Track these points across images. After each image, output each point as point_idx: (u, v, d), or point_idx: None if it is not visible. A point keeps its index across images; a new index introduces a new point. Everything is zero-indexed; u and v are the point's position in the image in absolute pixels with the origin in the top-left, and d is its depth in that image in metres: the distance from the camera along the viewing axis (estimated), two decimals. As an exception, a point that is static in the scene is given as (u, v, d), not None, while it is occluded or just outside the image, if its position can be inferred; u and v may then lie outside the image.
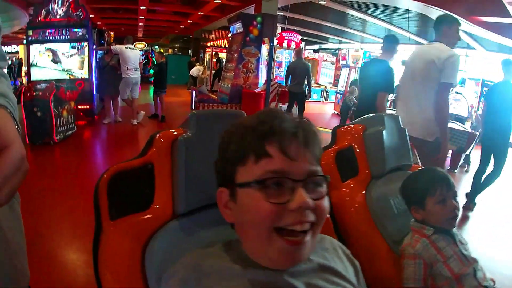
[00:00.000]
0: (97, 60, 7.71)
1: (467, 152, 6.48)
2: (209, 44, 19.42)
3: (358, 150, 1.53)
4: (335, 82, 14.82)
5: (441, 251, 1.32)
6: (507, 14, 6.61)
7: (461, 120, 8.30)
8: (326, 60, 16.30)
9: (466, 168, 6.96)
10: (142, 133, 7.22)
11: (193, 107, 8.65)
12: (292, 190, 0.68)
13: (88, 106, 7.31)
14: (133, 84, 7.27)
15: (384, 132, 1.54)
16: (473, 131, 6.56)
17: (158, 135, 0.98)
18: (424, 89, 2.85)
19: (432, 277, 1.32)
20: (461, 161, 6.85)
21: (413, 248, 1.32)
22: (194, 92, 8.63)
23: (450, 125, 6.47)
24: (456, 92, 10.94)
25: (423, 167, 1.79)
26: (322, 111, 12.72)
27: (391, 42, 4.02)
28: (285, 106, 8.65)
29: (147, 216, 0.90)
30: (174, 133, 0.98)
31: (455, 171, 6.71)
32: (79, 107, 6.98)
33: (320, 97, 14.91)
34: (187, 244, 0.89)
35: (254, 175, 0.69)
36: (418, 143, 2.58)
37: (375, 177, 1.53)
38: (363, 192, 1.46)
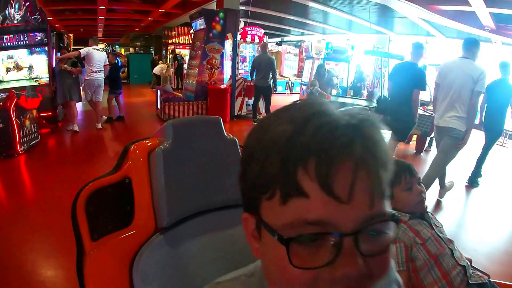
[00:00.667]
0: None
1: (432, 135, 6.76)
2: (171, 41, 19.06)
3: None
4: (299, 74, 14.96)
5: (419, 234, 1.40)
6: (465, 2, 6.86)
7: (423, 104, 8.62)
8: (290, 52, 16.40)
9: (430, 150, 7.22)
10: (108, 138, 7.01)
11: (158, 106, 8.49)
12: (336, 246, 0.42)
13: (51, 113, 6.99)
14: (96, 87, 6.96)
15: None
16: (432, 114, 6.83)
17: (132, 147, 0.96)
18: (460, 94, 3.83)
19: (412, 261, 1.39)
20: (426, 144, 7.11)
21: None
22: (158, 91, 8.47)
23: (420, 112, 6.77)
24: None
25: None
26: (287, 103, 12.73)
27: (417, 48, 4.80)
28: (251, 101, 8.65)
29: (130, 233, 0.88)
30: (148, 144, 0.96)
31: (421, 154, 6.98)
32: (41, 114, 6.67)
33: (285, 89, 14.98)
34: (174, 258, 0.88)
35: (280, 220, 0.44)
36: (451, 132, 3.86)
37: None
38: None
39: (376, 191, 0.42)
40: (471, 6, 7.01)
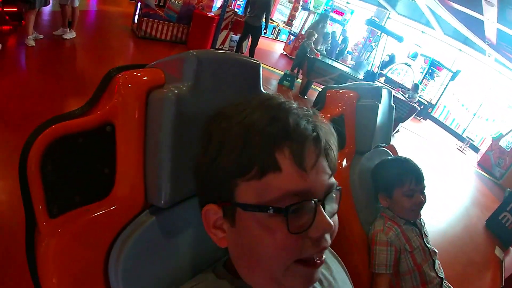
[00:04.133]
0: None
1: (404, 121, 6.78)
2: None
3: (348, 121, 1.36)
4: (289, 22, 14.32)
5: (409, 241, 1.38)
6: (479, 10, 6.63)
7: (404, 89, 8.63)
8: (285, -3, 15.57)
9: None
10: (75, 50, 5.89)
11: (135, 20, 7.68)
12: (310, 212, 0.53)
13: (16, 9, 5.97)
14: None
15: (379, 106, 1.37)
16: (410, 100, 6.84)
17: (122, 77, 0.63)
18: None
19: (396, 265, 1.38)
20: (396, 129, 7.14)
21: (386, 235, 1.34)
22: (139, 4, 7.62)
23: (395, 94, 6.72)
24: (406, 64, 11.32)
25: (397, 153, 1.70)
26: (271, 49, 12.28)
27: None
28: (236, 37, 8.10)
29: (107, 209, 0.60)
30: (147, 78, 0.64)
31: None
32: (5, 9, 5.68)
33: (271, 33, 14.38)
34: (171, 248, 0.64)
35: (267, 196, 0.52)
36: None
37: (359, 153, 1.40)
38: (347, 167, 1.36)
39: (331, 167, 0.58)
40: (482, 15, 6.80)
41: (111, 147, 0.61)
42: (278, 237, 0.52)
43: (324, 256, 0.57)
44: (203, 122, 0.60)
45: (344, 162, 1.33)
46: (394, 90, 7.45)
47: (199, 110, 0.63)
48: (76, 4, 5.88)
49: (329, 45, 10.36)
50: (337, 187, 0.59)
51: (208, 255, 0.71)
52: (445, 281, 1.47)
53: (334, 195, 0.59)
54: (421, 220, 1.49)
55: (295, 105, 0.57)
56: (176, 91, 0.59)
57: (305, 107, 0.59)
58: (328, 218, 0.54)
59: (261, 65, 0.73)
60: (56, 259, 0.56)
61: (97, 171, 0.60)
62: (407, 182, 1.36)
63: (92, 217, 0.58)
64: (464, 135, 11.01)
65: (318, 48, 8.63)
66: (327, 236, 0.55)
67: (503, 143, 8.61)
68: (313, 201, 0.53)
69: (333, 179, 0.58)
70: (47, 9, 5.91)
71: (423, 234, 1.45)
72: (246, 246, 0.56)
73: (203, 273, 0.65)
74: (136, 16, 7.59)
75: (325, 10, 11.70)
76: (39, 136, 0.55)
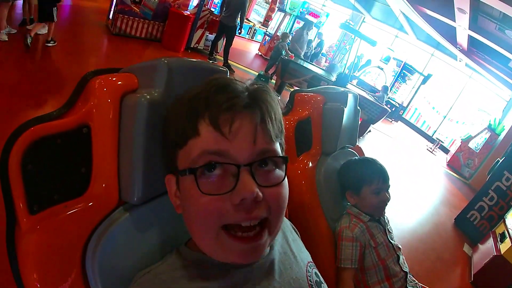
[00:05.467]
0: None
1: (374, 124, 6.95)
2: None
3: (315, 124, 1.42)
4: (265, 23, 14.39)
5: (373, 237, 1.43)
6: (451, 17, 6.86)
7: (374, 91, 8.83)
8: (262, -2, 15.62)
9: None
10: (55, 47, 5.55)
11: (110, 17, 7.55)
12: (235, 177, 0.55)
13: None
14: None
15: (345, 110, 1.44)
16: (383, 105, 7.02)
17: (97, 81, 0.67)
18: None
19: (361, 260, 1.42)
20: (368, 130, 7.30)
21: (352, 231, 1.40)
22: (114, 0, 7.50)
23: (365, 95, 6.88)
24: (378, 67, 11.58)
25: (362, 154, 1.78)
26: (246, 49, 12.29)
27: None
28: (212, 36, 8.09)
29: (84, 206, 0.64)
30: (122, 83, 0.68)
31: (360, 137, 7.16)
32: None
33: (247, 33, 14.40)
34: (143, 242, 0.68)
35: (189, 159, 0.58)
36: None
37: (324, 154, 1.47)
38: (314, 167, 1.41)
39: (264, 131, 0.57)
40: (455, 22, 7.05)
41: (87, 148, 0.65)
42: (195, 198, 0.56)
43: (263, 240, 0.58)
44: None
45: (310, 163, 1.39)
46: (365, 92, 7.62)
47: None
48: None
49: (312, 50, 10.47)
50: (278, 156, 0.59)
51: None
52: (410, 275, 1.53)
53: (274, 165, 0.59)
54: (385, 217, 1.56)
55: (233, 80, 0.62)
56: (148, 97, 0.64)
57: (249, 81, 0.62)
58: (254, 184, 0.54)
59: (227, 71, 0.78)
60: (36, 254, 0.60)
61: (74, 170, 0.64)
62: (375, 180, 1.43)
63: (70, 214, 0.62)
64: (434, 137, 11.37)
65: (301, 53, 8.71)
66: (259, 207, 0.56)
67: (472, 144, 8.97)
68: (235, 165, 0.55)
69: (269, 145, 0.58)
70: (20, 3, 5.72)
71: (387, 231, 1.51)
72: (186, 210, 0.61)
73: (168, 254, 0.68)
74: (111, 13, 7.45)
75: (301, 12, 11.80)
76: (20, 137, 0.58)
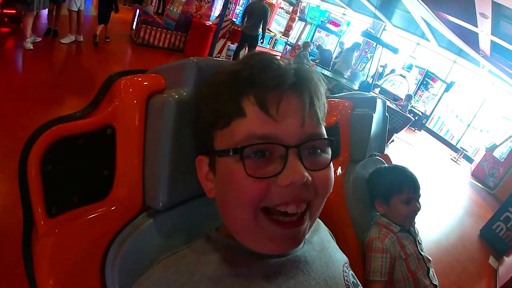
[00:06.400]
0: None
1: (399, 132, 6.83)
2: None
3: (343, 130, 1.37)
4: (285, 32, 14.43)
5: (404, 248, 1.38)
6: (473, 22, 6.72)
7: (396, 100, 8.69)
8: (282, 8, 15.70)
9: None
10: (79, 56, 5.91)
11: (133, 27, 7.72)
12: (282, 159, 0.52)
13: (14, 11, 5.89)
14: None
15: (374, 116, 1.39)
16: (406, 114, 6.91)
17: (122, 81, 0.65)
18: None
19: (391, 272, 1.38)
20: (391, 139, 7.19)
21: (382, 242, 1.35)
22: (138, 10, 7.67)
23: (389, 104, 6.78)
24: (401, 75, 11.42)
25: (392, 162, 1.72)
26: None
27: None
28: (233, 46, 8.14)
29: (106, 210, 0.60)
30: (148, 83, 0.65)
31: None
32: (4, 11, 5.53)
33: (268, 44, 14.47)
34: (164, 250, 0.63)
35: (233, 141, 0.54)
36: None
37: (353, 161, 1.42)
38: (342, 175, 1.36)
39: (311, 113, 0.55)
40: (477, 27, 6.90)
41: (111, 149, 0.62)
42: (239, 179, 0.52)
43: (304, 225, 0.55)
44: None
45: (339, 170, 1.34)
46: (389, 100, 7.51)
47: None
48: (82, 7, 5.93)
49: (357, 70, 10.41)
50: (325, 137, 0.57)
51: None
52: None
53: (320, 148, 0.57)
54: (415, 228, 1.50)
55: (275, 57, 0.57)
56: (176, 96, 0.61)
57: (291, 59, 0.59)
58: (303, 167, 0.52)
59: None
60: (53, 258, 0.57)
61: (97, 172, 0.61)
62: (405, 189, 1.39)
63: (90, 218, 0.59)
64: (458, 146, 11.09)
65: (346, 74, 8.65)
66: (305, 190, 0.53)
67: (496, 153, 8.67)
68: (283, 147, 0.52)
69: (317, 128, 0.56)
70: (45, 12, 5.90)
71: (417, 242, 1.46)
72: (222, 193, 0.57)
73: (196, 239, 0.64)
74: (135, 23, 7.63)
75: (321, 21, 11.80)
76: (40, 136, 0.55)
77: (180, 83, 0.64)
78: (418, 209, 1.40)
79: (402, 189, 1.39)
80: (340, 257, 0.74)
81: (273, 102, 0.53)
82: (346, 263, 0.74)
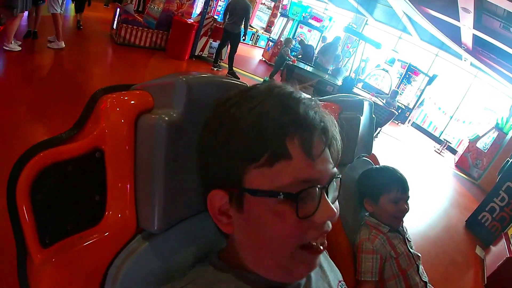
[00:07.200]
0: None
1: (383, 126, 6.90)
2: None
3: (331, 134, 1.35)
4: (267, 28, 14.41)
5: (394, 248, 1.42)
6: (455, 17, 6.83)
7: (381, 94, 8.78)
8: (264, 3, 15.64)
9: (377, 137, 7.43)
10: (60, 58, 5.65)
11: (114, 27, 7.57)
12: (315, 199, 0.56)
13: None
14: None
15: (361, 119, 1.40)
16: (390, 108, 6.99)
17: (108, 100, 0.62)
18: None
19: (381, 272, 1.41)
20: (376, 134, 7.26)
21: (372, 243, 1.39)
22: (118, 9, 7.51)
23: (373, 99, 6.84)
24: (383, 69, 11.53)
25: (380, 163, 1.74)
26: (250, 55, 12.32)
27: None
28: (216, 44, 8.09)
29: (99, 235, 0.59)
30: (135, 102, 0.63)
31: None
32: None
33: (250, 40, 14.43)
34: (165, 272, 0.63)
35: (278, 182, 0.54)
36: None
37: (342, 164, 1.42)
38: None
39: (335, 157, 0.61)
40: (459, 22, 7.01)
41: (101, 173, 0.60)
42: (287, 222, 0.54)
43: (325, 242, 0.60)
44: (191, 147, 0.62)
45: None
46: (370, 94, 7.59)
47: (190, 135, 0.63)
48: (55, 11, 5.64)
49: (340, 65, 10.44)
50: (337, 175, 0.60)
51: None
52: (429, 285, 1.50)
53: (335, 183, 0.61)
54: (403, 227, 1.54)
55: (303, 95, 0.59)
56: (166, 118, 0.59)
57: (311, 98, 0.61)
58: (331, 204, 0.56)
59: (246, 85, 0.74)
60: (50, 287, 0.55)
61: (88, 198, 0.59)
62: (394, 189, 1.42)
63: (85, 245, 0.57)
64: (441, 138, 11.28)
65: (328, 67, 8.69)
66: (329, 222, 0.58)
67: (480, 144, 8.86)
68: (318, 188, 0.55)
69: (335, 168, 0.60)
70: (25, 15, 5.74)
71: (406, 240, 1.49)
72: (254, 232, 0.58)
73: (199, 266, 0.64)
74: (115, 22, 7.49)
75: (303, 17, 11.80)
76: (28, 164, 0.53)
77: (169, 104, 0.62)
78: (406, 210, 1.44)
79: (391, 188, 1.42)
80: (335, 276, 0.79)
81: (316, 146, 0.56)
82: (340, 281, 0.80)
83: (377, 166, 1.61)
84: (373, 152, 1.75)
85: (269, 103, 0.56)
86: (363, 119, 1.43)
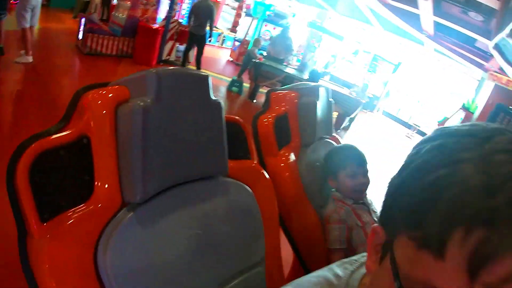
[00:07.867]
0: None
1: (352, 116, 7.12)
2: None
3: (292, 118, 1.51)
4: (233, 29, 14.50)
5: (360, 218, 1.51)
6: (415, 5, 7.07)
7: (348, 86, 9.03)
8: (228, 4, 15.73)
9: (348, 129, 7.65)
10: (24, 72, 5.53)
11: (79, 37, 7.52)
12: None
13: None
14: (35, 7, 5.51)
15: (317, 103, 1.54)
16: (359, 98, 7.23)
17: (89, 95, 0.74)
18: None
19: (349, 241, 1.49)
20: (346, 123, 7.47)
21: (338, 214, 1.49)
22: (83, 20, 7.43)
23: (339, 89, 7.06)
24: (348, 61, 11.83)
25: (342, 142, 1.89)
26: (218, 56, 12.40)
27: None
28: (182, 47, 8.14)
29: (90, 209, 0.70)
30: (113, 95, 0.75)
31: (338, 131, 7.34)
32: None
33: (216, 41, 14.47)
34: (147, 238, 0.74)
35: (412, 273, 0.41)
36: None
37: (304, 145, 1.56)
38: (295, 159, 1.49)
39: None
40: (418, 9, 7.29)
41: (88, 157, 0.72)
42: None
43: None
44: (164, 128, 0.74)
45: (292, 156, 1.48)
46: (339, 86, 7.81)
47: (161, 118, 0.75)
48: (36, 24, 5.63)
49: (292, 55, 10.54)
50: None
51: (191, 243, 0.83)
52: None
53: None
54: (368, 199, 1.64)
55: None
56: (141, 104, 0.71)
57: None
58: None
59: (209, 75, 0.86)
60: (51, 260, 0.65)
61: (79, 178, 0.71)
62: (349, 164, 1.53)
63: (78, 219, 0.68)
64: (410, 123, 11.68)
65: (282, 58, 8.77)
66: None
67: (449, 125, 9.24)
68: None
69: None
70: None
71: (371, 211, 1.59)
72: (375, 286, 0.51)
73: None
74: (81, 32, 7.39)
75: (268, 15, 11.96)
76: (25, 152, 0.64)
77: (143, 93, 0.74)
78: (364, 183, 1.55)
79: (346, 164, 1.54)
80: None
81: (498, 272, 0.35)
82: None
83: (340, 145, 1.75)
84: (340, 138, 1.90)
85: (480, 175, 0.37)
86: (321, 103, 1.58)
